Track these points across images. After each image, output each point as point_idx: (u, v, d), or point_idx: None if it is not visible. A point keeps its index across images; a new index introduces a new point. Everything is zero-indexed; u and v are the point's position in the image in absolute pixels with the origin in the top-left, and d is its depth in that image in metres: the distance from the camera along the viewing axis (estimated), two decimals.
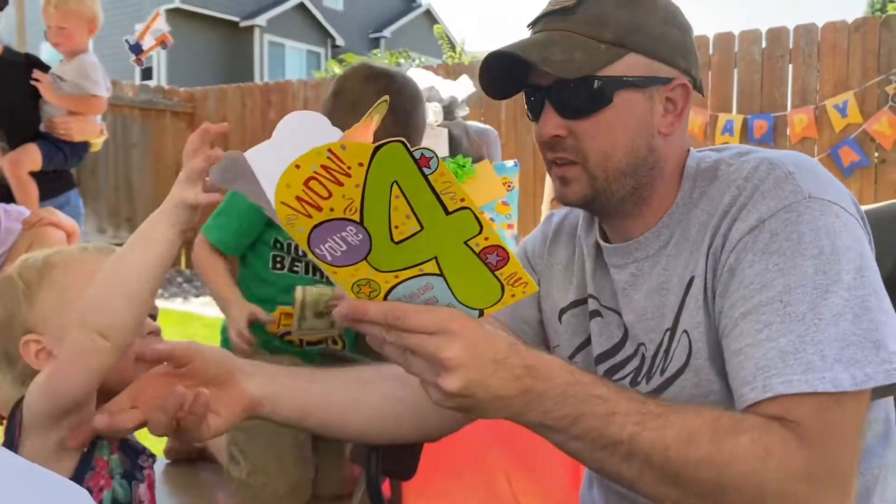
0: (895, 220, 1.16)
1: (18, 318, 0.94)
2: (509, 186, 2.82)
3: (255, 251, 1.71)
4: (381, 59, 11.73)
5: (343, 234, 0.70)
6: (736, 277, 0.86)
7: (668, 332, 0.95)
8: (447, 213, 0.72)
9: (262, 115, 8.38)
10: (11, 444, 0.87)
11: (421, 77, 2.93)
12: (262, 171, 0.81)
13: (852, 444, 0.80)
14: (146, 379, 0.91)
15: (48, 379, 0.87)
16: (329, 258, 0.71)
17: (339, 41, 20.17)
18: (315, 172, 0.67)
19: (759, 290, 0.84)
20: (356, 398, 1.02)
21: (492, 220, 2.83)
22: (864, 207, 1.21)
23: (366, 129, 0.73)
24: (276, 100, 8.27)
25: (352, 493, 1.67)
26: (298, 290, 1.58)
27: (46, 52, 2.98)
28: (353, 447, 1.58)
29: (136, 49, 2.93)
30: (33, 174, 2.63)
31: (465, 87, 2.95)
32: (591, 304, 1.07)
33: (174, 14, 17.31)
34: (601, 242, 1.06)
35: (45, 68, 2.77)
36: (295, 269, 1.69)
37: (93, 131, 2.80)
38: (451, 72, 6.35)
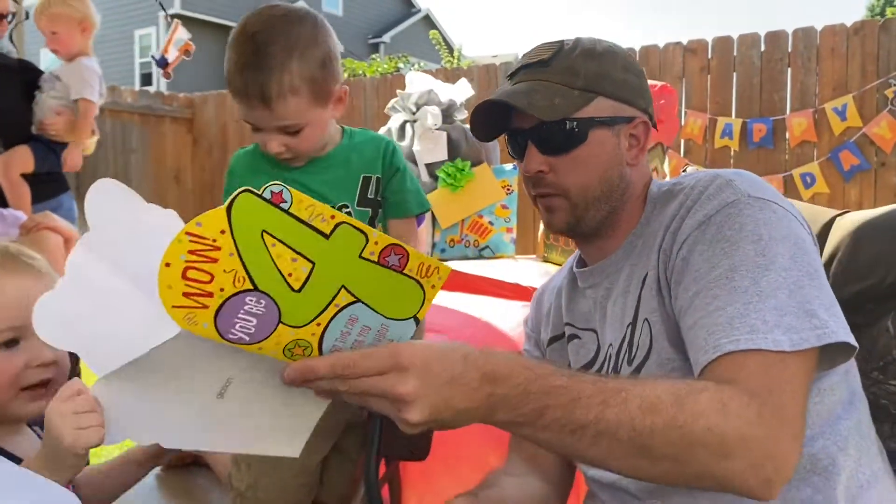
0: (890, 229, 1.17)
1: None
2: (508, 190, 2.82)
3: None
4: (380, 63, 11.72)
5: (246, 308, 0.68)
6: (689, 265, 0.97)
7: (630, 326, 1.06)
8: (326, 237, 0.70)
9: None
10: None
11: (420, 80, 2.92)
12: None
13: (798, 396, 0.87)
14: None
15: None
16: (247, 338, 0.69)
17: (339, 46, 20.18)
18: (187, 262, 0.65)
19: (708, 272, 0.94)
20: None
21: (491, 223, 2.83)
22: (863, 212, 1.22)
23: (218, 212, 0.68)
24: None
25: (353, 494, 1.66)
26: None
27: (47, 60, 2.98)
28: (362, 443, 1.56)
29: (163, 63, 2.92)
30: (26, 177, 2.62)
31: (463, 90, 2.94)
32: (568, 331, 1.20)
33: (175, 19, 17.32)
34: (576, 270, 1.20)
35: (38, 73, 2.76)
36: None
37: (81, 130, 2.79)
38: (450, 76, 6.36)
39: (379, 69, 10.99)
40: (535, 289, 2.19)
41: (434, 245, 2.83)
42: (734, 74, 5.69)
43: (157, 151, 8.63)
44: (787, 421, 0.85)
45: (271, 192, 0.67)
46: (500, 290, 2.29)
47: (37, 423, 1.01)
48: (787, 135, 5.45)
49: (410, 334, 0.80)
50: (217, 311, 0.68)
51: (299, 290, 0.70)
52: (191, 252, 0.65)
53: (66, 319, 0.76)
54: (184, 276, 0.65)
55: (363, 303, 0.74)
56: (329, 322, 0.73)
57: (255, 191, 0.66)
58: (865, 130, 5.18)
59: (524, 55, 1.16)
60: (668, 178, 1.20)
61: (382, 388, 0.75)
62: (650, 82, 3.67)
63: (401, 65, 12.01)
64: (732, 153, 5.54)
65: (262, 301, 0.69)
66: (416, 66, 11.70)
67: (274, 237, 0.68)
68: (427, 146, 2.79)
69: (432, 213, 2.79)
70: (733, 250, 0.94)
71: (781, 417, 0.84)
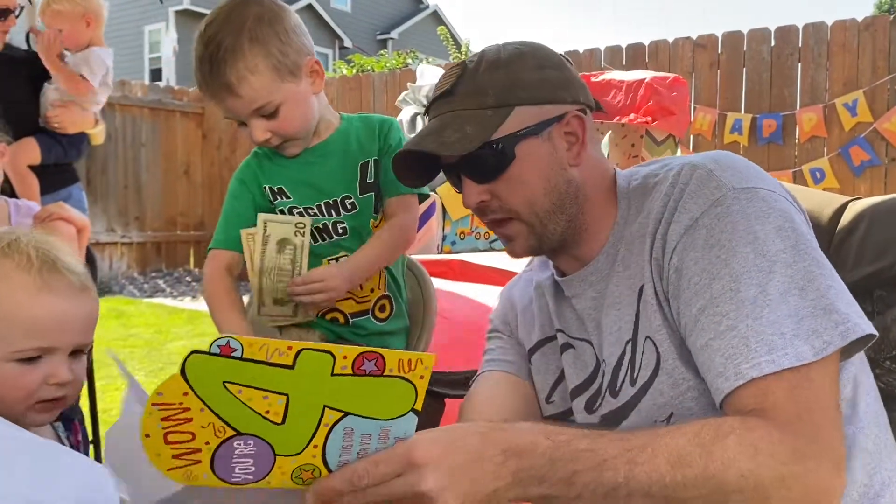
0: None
1: None
2: None
3: None
4: (388, 59, 11.72)
5: (237, 451, 0.69)
6: (684, 276, 0.91)
7: (630, 343, 0.98)
8: (291, 367, 0.70)
9: None
10: None
11: (431, 73, 2.93)
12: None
13: (830, 413, 0.83)
14: None
15: None
16: (251, 478, 0.70)
17: (347, 42, 20.19)
18: (164, 429, 0.66)
19: (709, 284, 0.88)
20: None
21: None
22: (878, 197, 1.20)
23: (174, 378, 0.69)
24: None
25: None
26: (259, 217, 1.44)
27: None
28: None
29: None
30: (35, 168, 2.64)
31: None
32: (560, 338, 1.10)
33: (183, 15, 17.37)
34: (557, 278, 1.11)
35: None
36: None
37: (86, 122, 2.80)
38: None
39: (387, 65, 10.99)
40: None
41: (444, 237, 2.84)
42: (744, 70, 5.68)
43: (166, 145, 8.66)
44: (825, 448, 0.80)
45: (218, 346, 0.67)
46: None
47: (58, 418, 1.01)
48: (797, 130, 5.43)
49: (414, 428, 0.77)
50: (211, 463, 0.69)
51: (282, 423, 0.71)
52: (164, 419, 0.67)
53: None
54: (166, 442, 0.67)
55: (353, 414, 0.74)
56: (325, 441, 0.73)
57: (202, 350, 0.67)
58: (876, 126, 5.16)
59: (435, 86, 1.08)
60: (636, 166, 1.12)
61: (403, 491, 0.73)
62: (661, 74, 3.67)
63: (409, 60, 12.00)
64: (742, 149, 5.53)
65: (249, 442, 0.70)
66: (424, 61, 11.70)
67: (237, 384, 0.68)
68: None
69: (443, 205, 2.80)
70: (730, 256, 0.87)
71: (818, 447, 0.80)
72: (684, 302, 0.90)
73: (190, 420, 0.67)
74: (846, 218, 1.17)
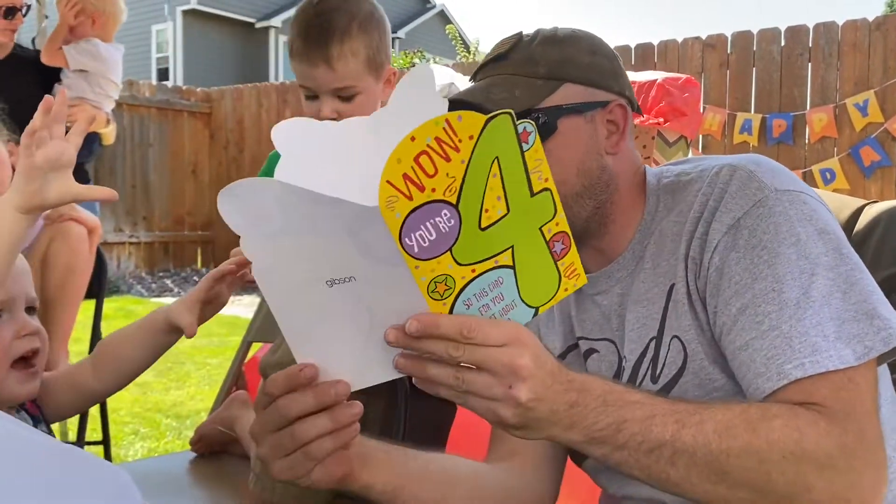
0: None
1: None
2: None
3: None
4: (395, 59, 11.74)
5: (436, 219, 0.68)
6: (725, 276, 0.90)
7: (654, 341, 0.97)
8: (532, 194, 0.71)
9: (277, 114, 8.42)
10: None
11: (440, 73, 2.92)
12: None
13: (873, 418, 0.82)
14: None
15: None
16: (416, 249, 0.68)
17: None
18: (428, 146, 0.65)
19: (751, 283, 0.87)
20: (451, 476, 1.02)
21: None
22: (884, 203, 1.19)
23: (477, 117, 0.69)
24: (292, 99, 8.30)
25: None
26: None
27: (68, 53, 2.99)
28: (381, 436, 1.57)
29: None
30: None
31: None
32: (583, 346, 1.09)
33: (190, 15, 17.41)
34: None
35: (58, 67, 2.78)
36: None
37: (99, 121, 2.80)
38: (467, 71, 6.34)
39: (394, 65, 11.01)
40: None
41: None
42: (754, 70, 5.65)
43: (174, 145, 8.68)
44: (870, 449, 0.80)
45: (524, 127, 0.69)
46: None
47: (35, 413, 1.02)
48: (807, 130, 5.41)
49: (526, 323, 0.78)
50: (416, 207, 0.66)
51: (484, 229, 0.70)
52: (437, 140, 0.65)
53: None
54: (416, 159, 0.65)
55: (515, 272, 0.74)
56: (482, 273, 0.72)
57: (514, 117, 0.68)
58: (887, 126, 5.13)
59: (487, 54, 1.08)
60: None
61: (500, 359, 0.71)
62: (672, 75, 3.66)
63: (416, 60, 12.02)
64: (751, 149, 5.50)
65: (452, 221, 0.69)
66: (432, 61, 11.70)
67: (500, 168, 0.69)
68: None
69: None
70: (773, 257, 0.87)
71: (864, 446, 0.79)
72: (723, 301, 0.89)
73: (448, 160, 0.66)
74: (862, 222, 1.16)
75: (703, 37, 5.86)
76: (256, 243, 0.73)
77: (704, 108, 5.61)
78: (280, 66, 18.27)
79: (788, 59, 5.54)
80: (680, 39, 5.96)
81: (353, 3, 1.50)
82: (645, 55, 6.02)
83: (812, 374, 0.81)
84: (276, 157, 1.77)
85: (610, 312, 1.05)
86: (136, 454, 3.13)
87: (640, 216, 1.03)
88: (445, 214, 0.68)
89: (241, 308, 6.91)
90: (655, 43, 6.04)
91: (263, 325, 1.89)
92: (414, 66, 11.29)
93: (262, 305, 1.99)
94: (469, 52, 13.33)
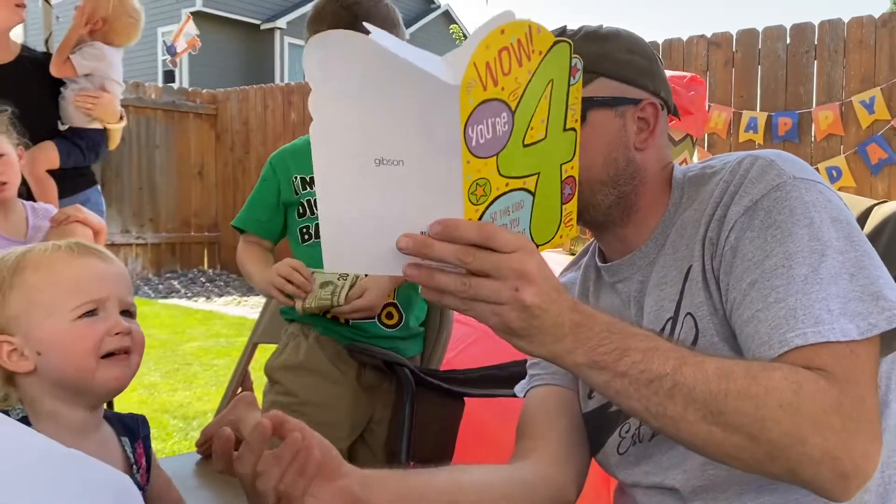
0: None
1: None
2: None
3: (290, 233, 1.66)
4: None
5: (496, 119, 0.69)
6: (739, 254, 0.92)
7: (670, 321, 1.00)
8: (564, 128, 0.75)
9: (283, 115, 8.43)
10: None
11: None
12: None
13: (873, 389, 0.84)
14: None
15: None
16: (473, 143, 0.69)
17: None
18: (511, 44, 0.68)
19: (762, 260, 0.90)
20: (458, 483, 1.01)
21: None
22: (894, 203, 1.19)
23: (548, 36, 0.74)
24: (297, 100, 8.31)
25: None
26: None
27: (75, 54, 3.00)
28: (388, 437, 1.57)
29: (172, 51, 2.97)
30: (54, 172, 2.64)
31: None
32: None
33: (196, 17, 17.43)
34: (600, 264, 1.12)
35: None
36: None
37: (113, 112, 2.80)
38: None
39: None
40: None
41: None
42: (759, 67, 5.63)
43: (180, 147, 8.70)
44: (867, 418, 0.81)
45: (575, 63, 0.74)
46: None
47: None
48: (813, 128, 5.38)
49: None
50: (486, 100, 0.68)
51: (526, 146, 0.73)
52: (518, 41, 0.68)
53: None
54: (499, 52, 0.67)
55: (533, 200, 0.77)
56: (512, 191, 0.74)
57: (572, 48, 0.72)
58: (893, 123, 5.10)
59: None
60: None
61: (509, 265, 0.74)
62: (678, 74, 3.64)
63: None
64: (757, 147, 5.48)
65: (507, 126, 0.70)
66: None
67: (551, 91, 0.73)
68: None
69: None
70: (786, 236, 0.89)
71: (861, 412, 0.81)
72: (735, 277, 0.92)
73: (520, 65, 0.69)
74: (871, 223, 1.16)
75: (709, 35, 5.85)
76: (325, 99, 0.73)
77: (710, 106, 5.59)
78: (285, 67, 18.30)
79: (794, 57, 5.52)
80: (685, 38, 5.94)
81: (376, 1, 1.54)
82: None
83: (814, 342, 0.83)
84: (277, 157, 1.79)
85: (629, 299, 1.08)
86: None
87: (665, 208, 1.06)
88: (504, 117, 0.70)
89: (247, 309, 6.93)
90: (660, 41, 6.03)
91: (269, 327, 1.90)
92: None
93: (268, 307, 2.00)
94: None
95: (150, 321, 6.18)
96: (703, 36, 5.86)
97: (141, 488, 1.00)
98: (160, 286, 8.11)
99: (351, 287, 1.48)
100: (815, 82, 5.45)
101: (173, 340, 5.50)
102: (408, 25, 21.76)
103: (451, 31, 12.70)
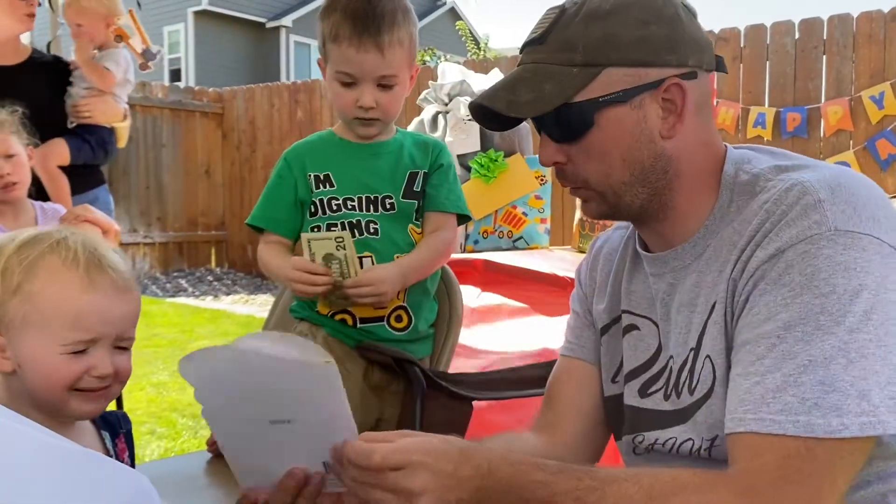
0: None
1: None
2: (542, 180, 2.80)
3: (303, 231, 1.64)
4: None
5: None
6: (748, 305, 0.86)
7: (693, 352, 0.95)
8: None
9: (289, 114, 8.43)
10: None
11: (453, 71, 2.92)
12: None
13: (818, 492, 0.78)
14: None
15: None
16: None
17: None
18: None
19: (762, 322, 0.83)
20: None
21: (524, 214, 2.82)
22: None
23: None
24: (303, 98, 8.31)
25: None
26: (303, 237, 1.48)
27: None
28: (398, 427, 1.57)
29: (151, 56, 2.97)
30: (64, 170, 2.65)
31: (496, 80, 2.93)
32: (625, 320, 1.07)
33: (202, 16, 17.46)
34: (641, 251, 1.06)
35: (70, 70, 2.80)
36: (332, 230, 1.57)
37: (116, 113, 2.81)
38: (478, 68, 6.33)
39: None
40: (569, 279, 2.18)
41: (467, 236, 2.83)
42: (767, 63, 5.60)
43: (187, 146, 8.71)
44: None
45: None
46: (539, 284, 2.27)
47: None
48: (822, 124, 5.35)
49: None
50: None
51: None
52: None
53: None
54: None
55: None
56: None
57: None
58: None
59: (531, 30, 1.00)
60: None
61: (397, 483, 0.80)
62: None
63: (426, 58, 12.00)
64: (765, 143, 5.46)
65: None
66: (442, 58, 11.68)
67: None
68: (459, 137, 2.78)
69: None
70: (794, 300, 0.81)
71: None
72: (738, 330, 0.87)
73: None
74: None
75: (716, 30, 5.82)
76: (211, 398, 0.85)
77: (718, 102, 5.56)
78: (291, 65, 18.31)
79: (803, 52, 5.49)
80: None
81: None
82: None
83: (768, 432, 0.78)
84: (292, 153, 1.78)
85: (656, 296, 1.02)
86: (152, 454, 3.14)
87: (710, 209, 0.96)
88: None
89: (255, 308, 6.94)
90: None
91: (279, 325, 1.89)
92: (425, 63, 11.27)
93: (277, 305, 1.99)
94: (479, 49, 13.29)
95: (158, 320, 6.20)
96: (710, 31, 5.83)
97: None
98: (168, 285, 8.13)
99: (352, 262, 1.45)
100: (824, 77, 5.42)
101: (181, 339, 5.51)
102: None
103: (457, 27, 12.68)
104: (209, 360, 0.81)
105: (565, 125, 0.94)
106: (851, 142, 5.28)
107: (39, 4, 2.63)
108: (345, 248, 1.43)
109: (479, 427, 1.65)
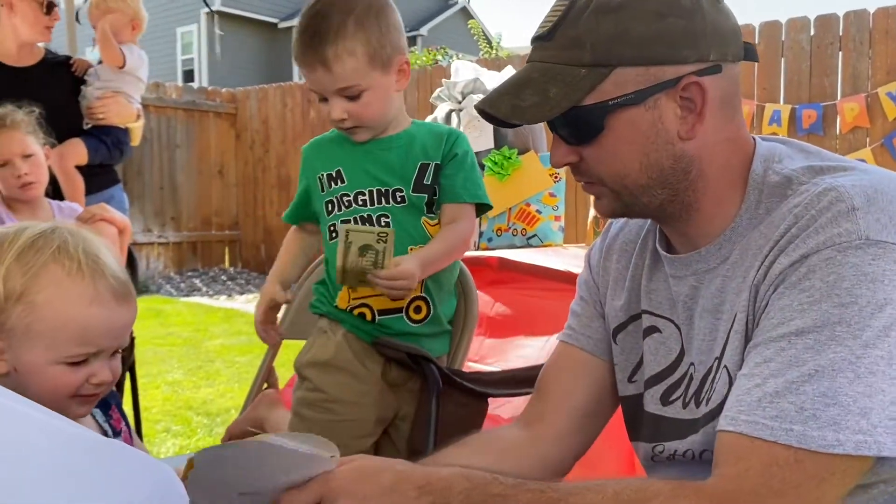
0: None
1: None
2: (556, 178, 2.79)
3: (322, 230, 1.65)
4: (418, 56, 11.72)
5: None
6: (768, 308, 0.82)
7: (717, 361, 0.91)
8: None
9: (302, 113, 8.45)
10: None
11: (466, 69, 2.91)
12: None
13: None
14: None
15: None
16: None
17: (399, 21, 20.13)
18: None
19: (776, 325, 0.80)
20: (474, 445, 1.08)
21: (538, 212, 2.81)
22: None
23: None
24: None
25: None
26: (341, 228, 1.47)
27: (94, 57, 3.04)
28: (412, 434, 1.56)
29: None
30: (80, 170, 2.68)
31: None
32: (646, 321, 1.02)
33: (215, 16, 17.56)
34: (661, 252, 1.00)
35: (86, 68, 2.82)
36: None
37: (129, 114, 2.84)
38: (491, 66, 6.32)
39: (417, 62, 10.98)
40: None
41: (481, 234, 2.82)
42: (782, 60, 5.56)
43: (200, 146, 8.75)
44: None
45: None
46: (553, 281, 2.26)
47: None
48: (839, 120, 5.31)
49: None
50: None
51: None
52: None
53: None
54: None
55: None
56: None
57: None
58: None
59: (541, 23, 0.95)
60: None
61: None
62: None
63: (439, 57, 12.00)
64: None
65: None
66: (455, 57, 11.68)
67: None
68: (473, 135, 2.77)
69: None
70: (811, 307, 0.77)
71: None
72: (755, 332, 0.84)
73: None
74: None
75: None
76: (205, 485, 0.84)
77: None
78: None
79: (818, 49, 5.45)
80: None
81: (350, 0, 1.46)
82: None
83: (758, 437, 0.75)
84: (305, 155, 1.79)
85: (678, 298, 0.97)
86: (167, 451, 3.16)
87: (736, 209, 0.90)
88: None
89: None
90: None
91: (294, 322, 1.89)
92: (437, 63, 11.28)
93: (291, 305, 2.00)
94: (492, 48, 13.28)
95: (173, 319, 6.23)
96: None
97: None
98: (182, 284, 8.17)
99: (389, 255, 1.44)
100: (840, 74, 5.37)
101: (196, 338, 5.54)
102: (425, 23, 21.76)
103: (469, 27, 12.68)
104: (220, 459, 0.81)
105: (574, 128, 0.89)
106: (868, 139, 5.23)
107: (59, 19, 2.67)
108: (385, 243, 1.43)
109: (493, 424, 1.64)
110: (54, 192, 2.49)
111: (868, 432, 0.73)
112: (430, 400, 1.49)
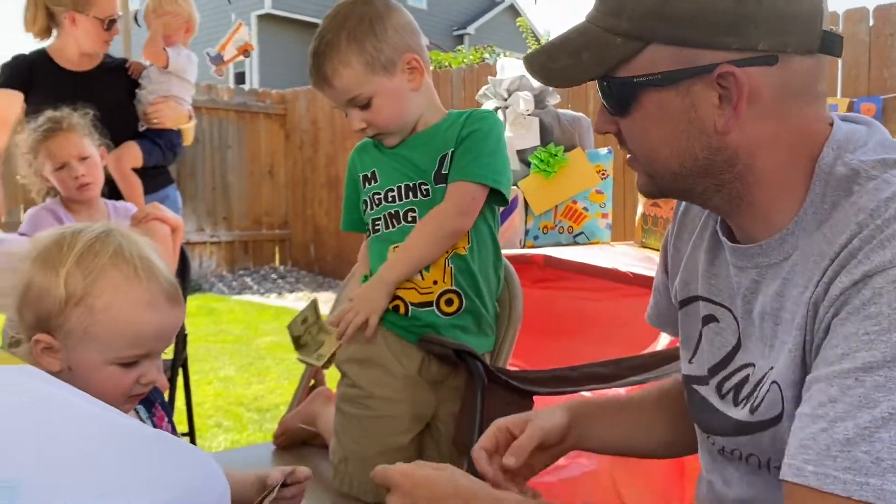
0: None
1: (42, 311, 0.94)
2: (603, 175, 2.76)
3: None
4: (465, 55, 11.71)
5: None
6: (828, 335, 0.75)
7: (770, 370, 0.85)
8: None
9: None
10: None
11: (512, 66, 2.90)
12: None
13: None
14: None
15: None
16: None
17: (424, 39, 20.25)
18: None
19: (839, 358, 0.72)
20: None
21: (585, 209, 2.78)
22: None
23: None
24: None
25: None
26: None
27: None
28: (456, 429, 1.56)
29: (217, 59, 3.07)
30: (136, 171, 2.76)
31: None
32: (703, 309, 0.98)
33: (265, 19, 17.84)
34: (723, 238, 0.93)
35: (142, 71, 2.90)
36: (377, 227, 1.61)
37: (182, 117, 2.92)
38: None
39: (464, 61, 10.97)
40: (632, 274, 2.14)
41: (527, 232, 2.81)
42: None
43: (251, 147, 8.90)
44: None
45: None
46: (600, 279, 2.24)
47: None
48: None
49: None
50: None
51: None
52: None
53: None
54: None
55: None
56: None
57: None
58: None
59: None
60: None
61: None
62: None
63: (486, 55, 11.97)
64: None
65: None
66: (502, 55, 11.62)
67: None
68: (519, 132, 2.76)
69: (525, 199, 2.76)
70: (880, 338, 0.69)
71: None
72: (815, 363, 0.77)
73: None
74: None
75: None
76: None
77: None
78: None
79: (878, 40, 5.27)
80: None
81: (344, 15, 1.51)
82: None
83: (829, 491, 0.68)
84: (351, 157, 1.84)
85: (737, 290, 0.90)
86: (219, 446, 3.23)
87: (800, 201, 0.82)
88: None
89: None
90: None
91: None
92: (483, 60, 11.25)
93: (338, 301, 2.02)
94: (540, 44, 13.16)
95: (225, 317, 6.35)
96: None
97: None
98: (234, 283, 8.33)
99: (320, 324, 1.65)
100: None
101: (247, 336, 5.64)
102: (472, 21, 21.75)
103: (517, 24, 12.61)
104: None
105: (609, 98, 0.85)
106: None
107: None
108: (307, 321, 1.62)
109: None
110: (111, 192, 2.56)
111: None
112: (474, 395, 1.49)
